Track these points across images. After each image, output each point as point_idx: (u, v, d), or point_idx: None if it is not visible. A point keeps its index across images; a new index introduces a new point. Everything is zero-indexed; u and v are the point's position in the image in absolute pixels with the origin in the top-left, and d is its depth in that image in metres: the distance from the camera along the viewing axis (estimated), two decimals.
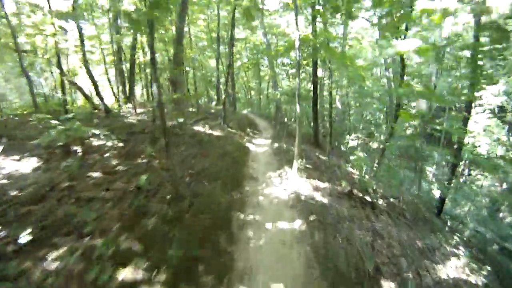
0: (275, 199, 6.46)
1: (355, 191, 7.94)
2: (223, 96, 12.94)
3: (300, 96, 17.19)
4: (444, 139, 19.23)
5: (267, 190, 6.84)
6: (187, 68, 27.39)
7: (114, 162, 6.27)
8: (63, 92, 11.60)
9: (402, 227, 7.00)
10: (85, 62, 11.68)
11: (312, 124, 21.21)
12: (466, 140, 21.89)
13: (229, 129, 11.86)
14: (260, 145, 11.12)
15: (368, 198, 7.97)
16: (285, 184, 7.29)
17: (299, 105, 8.11)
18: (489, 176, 19.38)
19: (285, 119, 22.92)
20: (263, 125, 16.69)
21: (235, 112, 17.94)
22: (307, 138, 16.26)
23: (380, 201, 8.47)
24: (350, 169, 11.80)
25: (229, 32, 20.84)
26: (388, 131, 13.55)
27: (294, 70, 23.25)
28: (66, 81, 11.82)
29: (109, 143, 6.90)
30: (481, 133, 21.95)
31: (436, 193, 16.40)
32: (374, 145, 28.47)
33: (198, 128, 10.75)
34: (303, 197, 6.63)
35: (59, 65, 10.84)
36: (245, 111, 22.80)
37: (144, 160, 6.51)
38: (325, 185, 8.17)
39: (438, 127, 23.54)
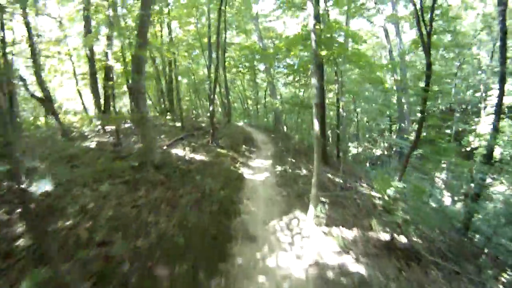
0: (286, 280, 3.79)
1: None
2: (210, 108, 10.28)
3: (303, 104, 14.60)
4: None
5: (271, 260, 4.14)
6: (179, 78, 24.90)
7: None
8: (11, 106, 8.95)
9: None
10: (37, 66, 9.10)
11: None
12: (477, 143, 19.52)
13: (219, 150, 9.19)
14: (258, 170, 8.45)
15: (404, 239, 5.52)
16: (298, 245, 4.60)
17: (316, 119, 5.51)
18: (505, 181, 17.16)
19: (285, 130, 20.39)
20: (262, 139, 14.04)
21: (229, 125, 15.32)
22: (311, 152, 13.63)
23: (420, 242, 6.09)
24: (365, 186, 9.29)
25: (220, 37, 18.39)
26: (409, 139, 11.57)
27: (291, 77, 20.85)
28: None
29: None
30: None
31: (447, 201, 15.27)
32: (377, 152, 25.81)
33: (177, 151, 8.10)
34: (330, 273, 3.96)
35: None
36: (241, 123, 20.18)
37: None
38: (354, 233, 5.54)
39: (448, 131, 21.08)
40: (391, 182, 9.07)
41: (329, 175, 9.71)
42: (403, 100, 19.79)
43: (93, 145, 8.12)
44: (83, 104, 13.04)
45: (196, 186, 5.60)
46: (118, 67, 12.64)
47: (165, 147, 8.35)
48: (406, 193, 10.86)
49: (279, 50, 12.24)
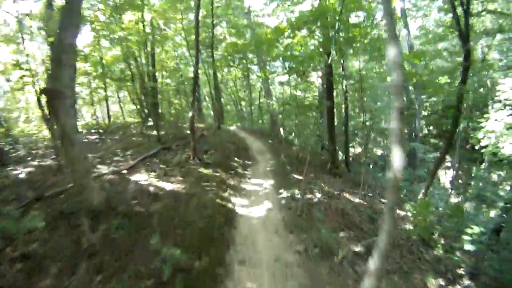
0: None
1: None
2: (190, 114, 7.79)
3: (303, 104, 12.17)
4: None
5: None
6: (167, 80, 22.35)
7: None
8: None
9: None
10: None
11: (325, 143, 16.12)
12: (486, 141, 17.33)
13: (202, 169, 6.69)
14: (256, 198, 5.96)
15: None
16: None
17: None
18: None
19: (282, 133, 17.99)
20: (258, 147, 11.61)
21: (219, 131, 12.85)
22: (317, 161, 11.26)
23: None
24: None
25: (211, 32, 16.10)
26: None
27: (286, 77, 18.50)
28: None
29: None
30: (504, 132, 17.51)
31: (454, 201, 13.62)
32: (379, 151, 23.31)
33: (140, 177, 5.60)
34: None
35: None
36: (233, 127, 17.70)
37: None
38: None
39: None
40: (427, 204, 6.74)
41: (348, 196, 7.31)
42: (412, 96, 17.47)
43: (26, 172, 5.59)
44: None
45: (148, 261, 3.12)
46: None
47: (125, 171, 5.83)
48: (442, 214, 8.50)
49: (280, 33, 9.67)
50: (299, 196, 6.11)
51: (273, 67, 19.41)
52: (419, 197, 8.65)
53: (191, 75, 20.06)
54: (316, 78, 20.82)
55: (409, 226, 6.63)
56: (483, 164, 17.17)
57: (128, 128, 11.24)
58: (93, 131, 11.02)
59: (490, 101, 18.38)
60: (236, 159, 8.95)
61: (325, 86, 11.05)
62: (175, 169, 6.39)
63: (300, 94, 18.82)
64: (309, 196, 6.31)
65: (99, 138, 9.23)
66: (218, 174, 6.62)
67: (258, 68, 20.30)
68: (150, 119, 15.56)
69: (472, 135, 18.00)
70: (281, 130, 17.96)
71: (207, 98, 27.81)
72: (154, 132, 10.94)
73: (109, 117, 15.05)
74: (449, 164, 16.70)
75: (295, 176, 7.82)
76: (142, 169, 6.28)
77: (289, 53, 9.02)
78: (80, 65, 13.25)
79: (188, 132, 11.87)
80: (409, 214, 7.51)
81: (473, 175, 16.65)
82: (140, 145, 8.33)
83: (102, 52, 14.87)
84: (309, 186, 6.97)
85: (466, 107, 17.27)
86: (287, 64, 10.61)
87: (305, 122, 16.45)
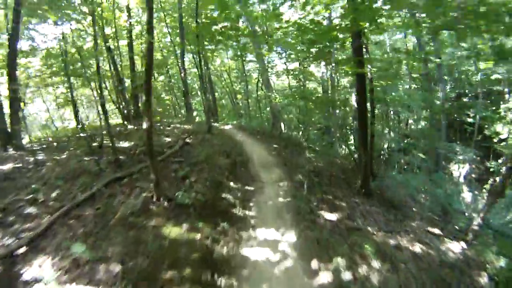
0: None
1: None
2: (145, 125, 4.55)
3: (312, 97, 9.20)
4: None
5: None
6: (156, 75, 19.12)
7: None
8: None
9: None
10: None
11: (346, 148, 12.96)
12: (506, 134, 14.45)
13: (168, 227, 3.66)
14: None
15: None
16: None
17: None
18: None
19: (283, 129, 14.91)
20: (260, 156, 8.58)
21: (209, 136, 9.80)
22: (334, 170, 8.29)
23: None
24: None
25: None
26: None
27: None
28: None
29: None
30: None
31: (467, 196, 12.03)
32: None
33: (35, 273, 2.61)
34: None
35: None
36: (229, 126, 14.59)
37: None
38: None
39: (470, 119, 15.89)
40: None
41: (411, 246, 4.38)
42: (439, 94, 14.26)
43: None
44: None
45: None
46: None
47: (22, 249, 2.81)
48: None
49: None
50: (347, 275, 3.13)
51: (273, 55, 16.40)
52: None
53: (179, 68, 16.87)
54: (316, 67, 17.68)
55: None
56: (501, 158, 14.55)
57: (87, 138, 8.13)
58: (38, 147, 7.92)
59: (507, 89, 15.38)
60: (231, 184, 5.91)
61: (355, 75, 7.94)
62: (114, 233, 3.35)
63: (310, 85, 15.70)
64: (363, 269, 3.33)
65: (33, 160, 6.12)
66: (197, 236, 3.60)
67: (255, 55, 17.09)
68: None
69: (487, 126, 15.02)
70: (282, 125, 14.98)
71: (199, 93, 24.59)
72: (124, 144, 7.86)
73: (78, 122, 11.90)
74: (461, 157, 13.73)
75: (325, 214, 4.83)
76: (57, 237, 3.26)
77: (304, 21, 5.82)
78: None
79: (168, 140, 8.87)
80: None
81: (491, 169, 13.80)
82: (84, 174, 5.26)
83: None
84: (354, 237, 3.97)
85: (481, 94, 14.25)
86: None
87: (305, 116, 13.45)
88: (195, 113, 29.66)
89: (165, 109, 19.05)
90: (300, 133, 14.73)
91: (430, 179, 10.20)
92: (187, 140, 8.26)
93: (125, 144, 7.86)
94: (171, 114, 20.35)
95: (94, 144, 7.48)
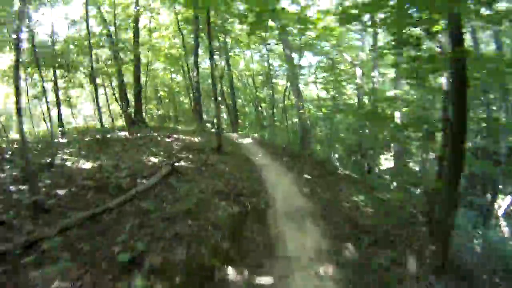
0: None
1: None
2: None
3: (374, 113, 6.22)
4: None
5: None
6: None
7: None
8: None
9: None
10: None
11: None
12: None
13: None
14: None
15: None
16: None
17: None
18: None
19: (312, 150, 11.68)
20: (287, 193, 5.58)
21: (217, 157, 6.98)
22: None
23: None
24: None
25: None
26: None
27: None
28: None
29: None
30: None
31: None
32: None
33: None
34: None
35: None
36: (248, 139, 11.68)
37: None
38: None
39: None
40: None
41: None
42: None
43: None
44: None
45: None
46: None
47: None
48: None
49: None
50: None
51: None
52: None
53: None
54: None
55: None
56: None
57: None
58: None
59: None
60: (228, 272, 2.96)
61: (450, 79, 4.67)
62: None
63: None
64: None
65: None
66: None
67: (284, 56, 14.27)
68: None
69: None
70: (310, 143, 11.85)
71: (219, 98, 21.98)
72: (86, 165, 5.15)
73: (61, 124, 9.51)
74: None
75: None
76: None
77: None
78: None
79: (155, 161, 6.02)
80: None
81: None
82: None
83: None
84: None
85: None
86: None
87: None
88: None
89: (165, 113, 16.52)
90: (334, 156, 11.61)
91: None
92: (176, 164, 5.38)
93: (86, 165, 5.13)
94: (186, 120, 17.86)
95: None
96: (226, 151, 7.80)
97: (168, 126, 12.13)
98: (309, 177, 6.83)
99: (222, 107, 22.61)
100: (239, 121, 18.68)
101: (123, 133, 9.35)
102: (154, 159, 5.97)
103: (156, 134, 9.50)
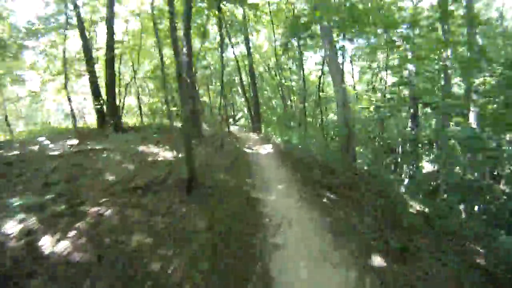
0: None
1: None
2: None
3: None
4: None
5: None
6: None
7: None
8: None
9: None
10: None
11: None
12: None
13: None
14: None
15: None
16: None
17: None
18: None
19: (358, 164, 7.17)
20: None
21: (195, 197, 3.28)
22: None
23: None
24: None
25: None
26: None
27: None
28: None
29: None
30: None
31: None
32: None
33: None
34: None
35: None
36: (268, 149, 7.70)
37: None
38: None
39: None
40: None
41: None
42: None
43: None
44: None
45: None
46: None
47: None
48: None
49: None
50: None
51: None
52: None
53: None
54: None
55: None
56: None
57: None
58: None
59: None
60: None
61: None
62: None
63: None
64: None
65: None
66: None
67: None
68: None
69: None
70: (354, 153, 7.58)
71: (240, 91, 18.05)
72: None
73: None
74: None
75: None
76: None
77: None
78: None
79: None
80: None
81: None
82: None
83: None
84: None
85: None
86: None
87: None
88: (240, 115, 22.93)
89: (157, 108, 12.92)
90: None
91: None
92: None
93: None
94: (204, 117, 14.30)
95: None
96: (210, 184, 3.95)
97: (157, 125, 8.59)
98: (375, 242, 2.77)
99: (241, 99, 18.84)
100: (262, 118, 14.75)
101: (70, 142, 5.88)
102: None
103: (124, 141, 5.95)
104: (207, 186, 3.88)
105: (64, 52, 7.43)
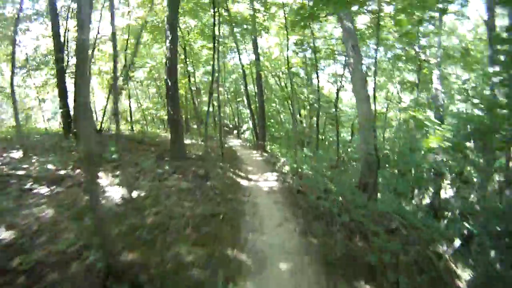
0: None
1: None
2: None
3: None
4: None
5: None
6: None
7: None
8: None
9: None
10: None
11: None
12: None
13: None
14: None
15: None
16: None
17: None
18: None
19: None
20: None
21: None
22: None
23: None
24: None
25: None
26: None
27: None
28: None
29: None
30: None
31: None
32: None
33: None
34: None
35: None
36: (272, 179, 5.73)
37: None
38: None
39: None
40: None
41: None
42: None
43: None
44: None
45: None
46: None
47: None
48: None
49: None
50: None
51: None
52: None
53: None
54: None
55: None
56: None
57: None
58: None
59: None
60: None
61: None
62: None
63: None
64: None
65: None
66: None
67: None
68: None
69: None
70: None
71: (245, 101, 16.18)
72: None
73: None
74: None
75: None
76: None
77: None
78: None
79: None
80: None
81: None
82: None
83: None
84: None
85: None
86: None
87: None
88: (245, 127, 20.29)
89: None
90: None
91: None
92: None
93: None
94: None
95: None
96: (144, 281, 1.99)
97: (140, 134, 6.76)
98: None
99: (246, 111, 16.93)
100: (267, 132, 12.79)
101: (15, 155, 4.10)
102: None
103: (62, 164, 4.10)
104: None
105: None
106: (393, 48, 10.37)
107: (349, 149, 13.20)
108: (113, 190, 3.74)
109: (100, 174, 4.19)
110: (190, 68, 12.36)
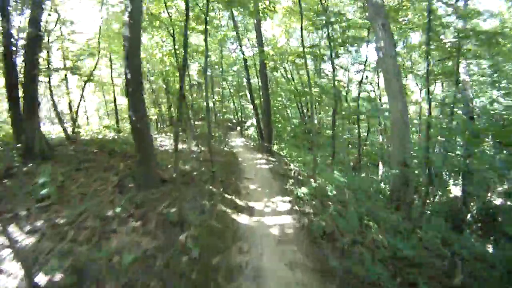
0: None
1: None
2: None
3: None
4: None
5: None
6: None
7: None
8: None
9: None
10: None
11: None
12: None
13: None
14: None
15: None
16: None
17: None
18: None
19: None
20: None
21: None
22: None
23: None
24: None
25: None
26: None
27: None
28: None
29: None
30: None
31: None
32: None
33: None
34: None
35: None
36: (297, 188, 4.05)
37: None
38: None
39: None
40: None
41: None
42: None
43: None
44: None
45: None
46: None
47: None
48: None
49: None
50: None
51: None
52: None
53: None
54: None
55: None
56: None
57: None
58: None
59: None
60: None
61: None
62: None
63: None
64: None
65: None
66: None
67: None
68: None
69: None
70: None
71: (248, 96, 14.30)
72: None
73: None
74: None
75: None
76: None
77: None
78: None
79: None
80: None
81: None
82: None
83: None
84: None
85: None
86: None
87: None
88: (249, 123, 18.18)
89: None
90: None
91: None
92: None
93: None
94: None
95: None
96: None
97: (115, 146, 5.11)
98: None
99: (249, 106, 15.10)
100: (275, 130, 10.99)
101: None
102: None
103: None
104: None
105: None
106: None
107: (364, 148, 11.48)
108: (11, 269, 2.09)
109: (10, 227, 2.54)
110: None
